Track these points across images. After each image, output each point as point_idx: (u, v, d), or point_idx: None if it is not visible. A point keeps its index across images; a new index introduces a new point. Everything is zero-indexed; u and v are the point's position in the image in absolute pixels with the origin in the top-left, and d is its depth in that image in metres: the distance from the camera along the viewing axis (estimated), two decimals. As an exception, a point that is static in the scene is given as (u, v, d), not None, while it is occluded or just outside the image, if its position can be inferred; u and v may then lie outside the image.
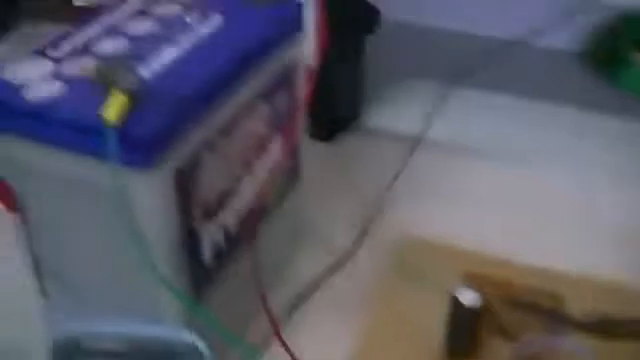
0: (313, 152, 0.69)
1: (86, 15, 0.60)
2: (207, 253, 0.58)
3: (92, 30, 0.58)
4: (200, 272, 0.57)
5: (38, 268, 0.59)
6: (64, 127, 0.49)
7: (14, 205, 0.55)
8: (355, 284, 0.72)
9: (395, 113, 0.97)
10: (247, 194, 0.62)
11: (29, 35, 1.12)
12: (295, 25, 0.65)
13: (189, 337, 0.43)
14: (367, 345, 0.65)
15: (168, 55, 0.55)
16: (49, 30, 0.65)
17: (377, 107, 0.97)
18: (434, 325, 0.64)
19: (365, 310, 0.69)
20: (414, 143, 0.84)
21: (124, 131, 0.47)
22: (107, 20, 0.60)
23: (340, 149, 0.92)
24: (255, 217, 0.62)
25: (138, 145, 0.47)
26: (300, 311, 0.70)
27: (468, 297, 0.61)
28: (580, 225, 0.79)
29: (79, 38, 0.57)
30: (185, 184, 0.52)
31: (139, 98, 0.48)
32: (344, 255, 0.75)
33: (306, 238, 0.77)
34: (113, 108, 0.47)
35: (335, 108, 0.91)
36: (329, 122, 0.91)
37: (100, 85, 0.48)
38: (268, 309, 0.60)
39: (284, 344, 0.60)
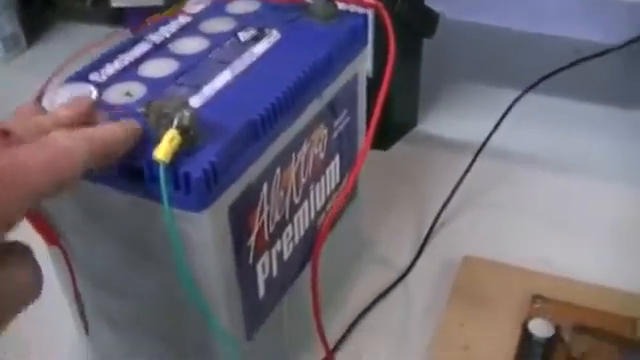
0: (369, 162, 0.66)
1: (125, 18, 0.57)
2: (262, 286, 0.54)
3: (138, 48, 0.55)
4: (255, 306, 0.54)
5: (81, 304, 0.56)
6: (116, 167, 0.45)
7: (55, 239, 0.52)
8: (414, 305, 0.69)
9: (453, 120, 0.93)
10: (304, 220, 0.58)
11: (65, 37, 1.11)
12: (360, 39, 0.61)
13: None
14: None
15: (222, 79, 0.51)
16: (85, 32, 0.63)
17: (435, 114, 0.94)
18: (500, 349, 0.61)
19: (425, 333, 0.65)
20: (474, 152, 0.80)
21: (177, 171, 0.44)
22: (153, 38, 0.56)
23: (397, 158, 0.89)
24: (313, 242, 0.59)
25: (192, 186, 0.44)
26: (355, 334, 0.67)
27: (540, 327, 0.58)
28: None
29: (124, 58, 0.54)
30: (241, 219, 0.49)
31: (193, 134, 0.44)
32: (402, 273, 0.72)
33: (363, 254, 0.74)
34: (165, 147, 0.43)
35: (391, 115, 0.88)
36: (385, 130, 0.87)
37: (151, 121, 0.45)
38: (323, 335, 0.58)
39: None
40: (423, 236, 0.76)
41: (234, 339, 0.51)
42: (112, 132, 0.43)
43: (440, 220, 0.77)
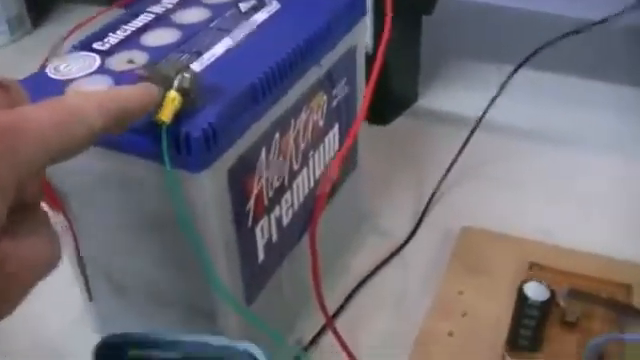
0: (369, 136, 0.67)
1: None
2: (261, 251, 0.56)
3: (140, 19, 0.56)
4: (254, 270, 0.55)
5: (84, 270, 0.57)
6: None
7: (60, 205, 0.53)
8: (413, 274, 0.70)
9: (453, 95, 0.94)
10: (303, 187, 0.60)
11: (71, 18, 1.11)
12: (359, 8, 0.62)
13: (242, 345, 0.41)
14: (426, 337, 0.63)
15: (222, 46, 0.52)
16: (90, 12, 0.64)
17: (435, 89, 0.95)
18: (498, 317, 0.62)
19: (424, 300, 0.66)
20: (473, 126, 0.81)
21: (177, 132, 0.45)
22: (155, 8, 0.57)
23: (397, 133, 0.90)
24: (312, 209, 0.60)
25: (192, 146, 0.45)
26: (355, 301, 0.68)
27: (535, 290, 0.59)
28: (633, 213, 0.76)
29: (127, 28, 0.55)
30: (240, 182, 0.50)
31: (194, 96, 0.45)
32: (402, 243, 0.73)
33: (364, 226, 0.75)
34: (167, 108, 0.44)
35: (391, 91, 0.89)
36: (386, 105, 0.88)
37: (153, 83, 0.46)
38: (322, 302, 0.58)
39: (338, 337, 0.59)
40: (422, 207, 0.77)
41: (236, 300, 0.52)
42: (128, 95, 0.42)
43: (439, 192, 0.78)
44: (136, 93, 0.42)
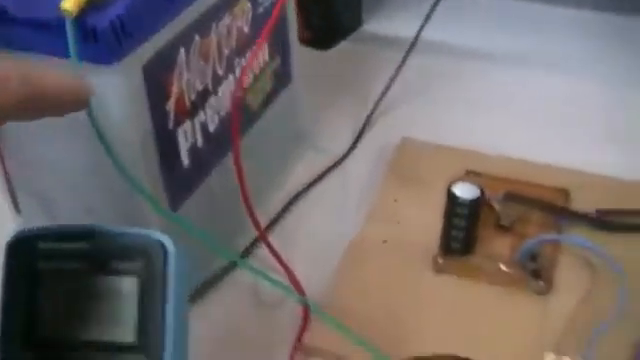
0: (312, 60, 0.66)
1: None
2: (185, 155, 0.55)
3: None
4: (178, 175, 0.55)
5: (10, 184, 0.56)
6: (19, 24, 0.45)
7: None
8: (351, 187, 0.70)
9: (398, 20, 0.93)
10: (229, 94, 0.59)
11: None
12: None
13: (153, 234, 0.40)
14: (359, 244, 0.63)
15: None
16: None
17: (380, 14, 0.95)
18: (431, 224, 0.61)
19: (361, 211, 0.66)
20: (409, 48, 0.81)
21: (85, 23, 0.44)
22: None
23: (340, 56, 0.89)
24: (238, 118, 0.59)
25: (99, 37, 0.44)
26: (293, 213, 0.68)
27: (465, 190, 0.58)
28: (574, 123, 0.76)
29: None
30: (157, 81, 0.49)
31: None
32: (340, 157, 0.73)
33: (303, 143, 0.74)
34: (71, -2, 0.43)
35: (335, 15, 0.89)
36: (329, 30, 0.88)
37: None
38: (252, 211, 0.58)
39: (269, 247, 0.58)
40: (361, 124, 0.76)
41: (156, 200, 0.52)
42: (58, 79, 0.37)
43: (378, 111, 0.78)
44: (72, 82, 0.39)
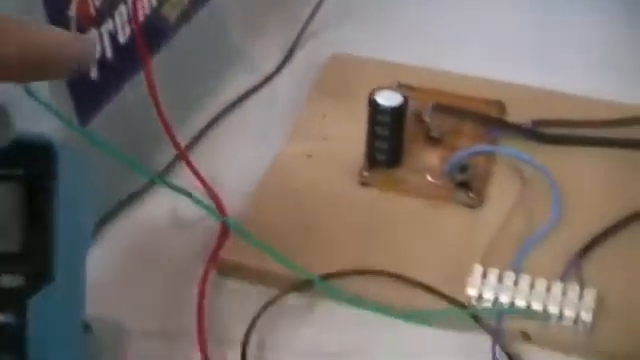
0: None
1: None
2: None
3: None
4: (86, 87, 0.52)
5: None
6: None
7: None
8: (277, 105, 0.68)
9: None
10: (139, 4, 0.56)
11: None
12: None
13: (40, 135, 0.38)
14: (283, 159, 0.61)
15: None
16: None
17: None
18: (359, 139, 0.59)
19: (286, 131, 0.64)
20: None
21: None
22: None
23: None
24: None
25: None
26: (214, 133, 0.65)
27: (386, 97, 0.56)
28: (505, 39, 0.74)
29: None
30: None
31: None
32: (266, 77, 0.70)
33: (231, 62, 0.71)
34: None
35: None
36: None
37: None
38: (169, 129, 0.56)
39: (189, 164, 0.56)
40: (291, 41, 0.74)
41: (62, 112, 0.49)
42: (59, 38, 0.34)
43: (310, 28, 0.75)
44: (75, 41, 0.35)
